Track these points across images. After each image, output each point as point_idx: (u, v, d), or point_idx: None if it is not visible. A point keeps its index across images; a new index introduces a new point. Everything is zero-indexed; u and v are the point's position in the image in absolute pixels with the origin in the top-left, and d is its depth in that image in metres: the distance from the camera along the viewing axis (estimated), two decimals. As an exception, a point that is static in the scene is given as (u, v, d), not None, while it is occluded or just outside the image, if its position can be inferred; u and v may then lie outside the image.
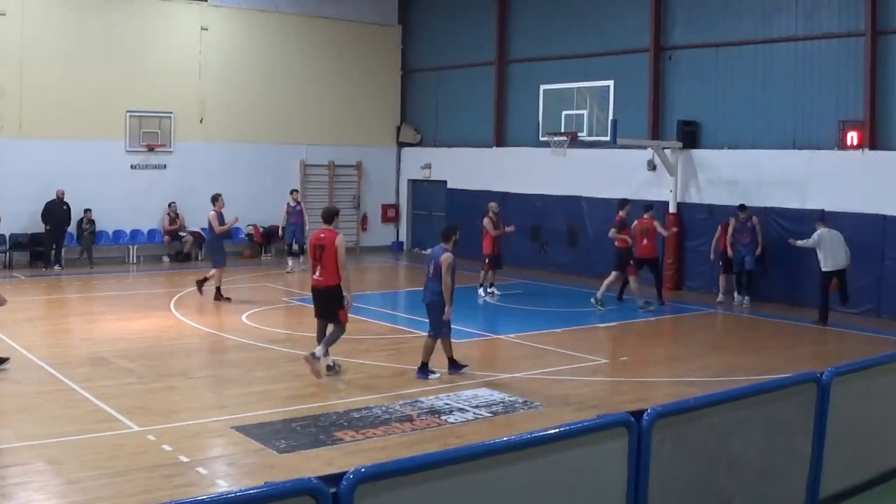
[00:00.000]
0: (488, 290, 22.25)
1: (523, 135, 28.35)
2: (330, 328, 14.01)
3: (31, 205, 25.80)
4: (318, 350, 13.71)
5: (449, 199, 31.62)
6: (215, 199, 21.39)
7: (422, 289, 14.37)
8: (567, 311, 20.97)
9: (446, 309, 13.72)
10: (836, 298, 19.67)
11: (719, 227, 22.25)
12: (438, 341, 14.04)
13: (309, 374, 13.77)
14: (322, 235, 13.83)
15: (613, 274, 21.01)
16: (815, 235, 19.38)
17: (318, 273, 13.81)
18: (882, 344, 17.26)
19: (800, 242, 19.67)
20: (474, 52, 31.06)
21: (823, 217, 20.42)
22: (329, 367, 14.04)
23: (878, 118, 21.12)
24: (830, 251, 19.17)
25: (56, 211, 25.84)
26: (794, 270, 22.03)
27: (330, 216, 14.10)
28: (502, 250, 22.88)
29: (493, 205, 22.80)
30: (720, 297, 22.19)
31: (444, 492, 5.33)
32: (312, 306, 14.40)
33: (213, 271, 21.07)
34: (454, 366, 14.29)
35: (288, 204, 26.47)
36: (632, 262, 20.98)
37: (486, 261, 22.10)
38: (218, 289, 20.96)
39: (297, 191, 26.59)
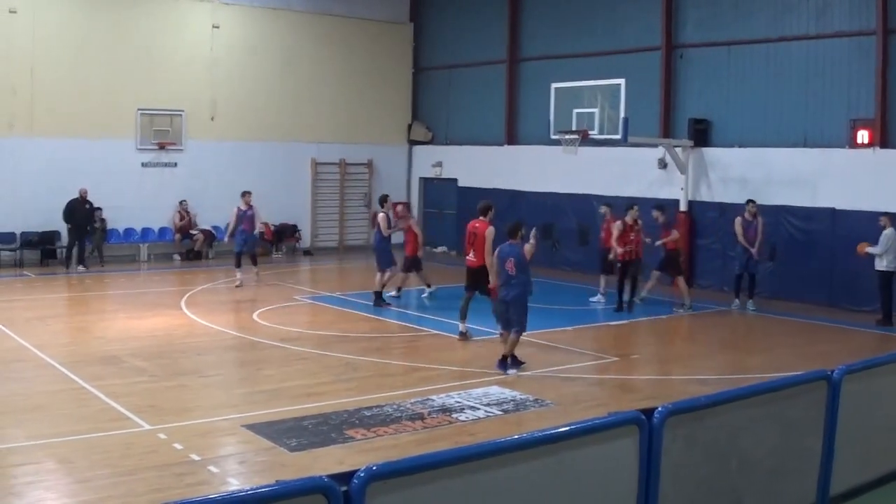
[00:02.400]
0: (390, 294, 21.22)
1: (534, 133, 28.34)
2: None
3: (42, 203, 25.86)
4: (462, 326, 16.83)
5: (460, 198, 31.60)
6: (383, 200, 21.31)
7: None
8: (578, 309, 20.95)
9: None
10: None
11: (613, 223, 21.06)
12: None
13: (318, 372, 14.16)
14: (477, 225, 16.53)
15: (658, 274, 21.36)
16: (883, 238, 18.96)
17: (471, 255, 16.60)
18: (893, 342, 17.24)
19: (871, 249, 19.06)
20: (486, 51, 31.06)
21: (890, 216, 19.37)
22: (461, 335, 16.85)
23: (889, 116, 21.06)
24: (893, 250, 18.94)
25: (78, 210, 25.65)
26: (804, 269, 22.02)
27: (484, 210, 16.69)
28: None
29: (400, 207, 22.44)
30: (598, 297, 21.69)
31: (455, 490, 5.33)
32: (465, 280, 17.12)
33: (378, 276, 20.69)
34: (516, 363, 14.57)
35: (238, 208, 22.99)
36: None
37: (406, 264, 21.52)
38: (379, 290, 20.60)
39: (249, 193, 23.13)
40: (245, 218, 22.95)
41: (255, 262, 23.50)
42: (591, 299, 21.70)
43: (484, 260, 15.97)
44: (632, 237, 20.41)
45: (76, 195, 25.62)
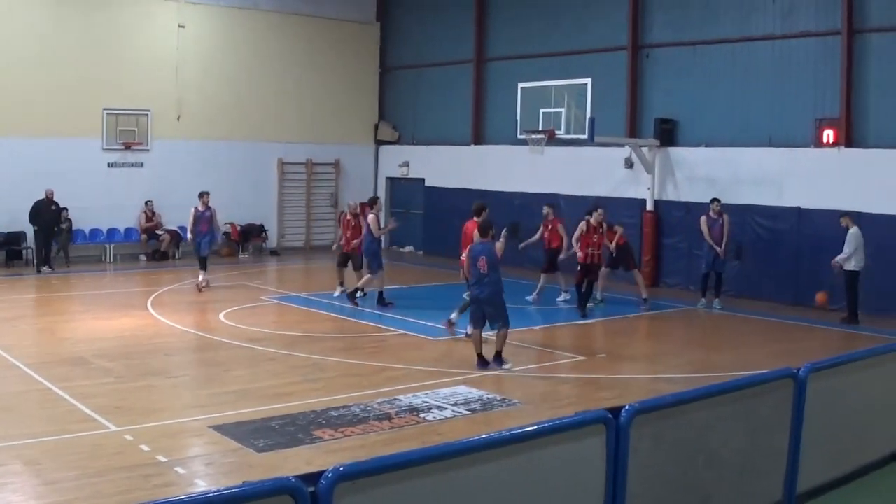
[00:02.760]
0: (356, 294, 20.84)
1: (501, 133, 28.38)
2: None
3: (7, 203, 25.57)
4: (454, 316, 17.04)
5: (427, 197, 31.62)
6: (373, 202, 21.15)
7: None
8: (545, 309, 21.00)
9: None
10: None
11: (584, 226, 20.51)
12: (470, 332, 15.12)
13: (285, 373, 14.14)
14: (469, 226, 17.17)
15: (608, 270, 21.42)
16: (850, 238, 18.97)
17: (464, 255, 16.40)
18: (858, 340, 17.37)
19: (841, 257, 19.02)
20: (453, 50, 31.07)
21: (852, 215, 19.51)
22: (448, 322, 17.14)
23: (854, 116, 21.25)
24: (861, 249, 19.01)
25: (44, 211, 25.26)
26: (770, 268, 22.17)
27: (478, 211, 16.80)
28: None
29: (351, 203, 22.70)
30: (564, 296, 21.73)
31: (423, 490, 5.32)
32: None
33: (366, 278, 20.48)
34: (483, 363, 14.62)
35: (196, 209, 22.53)
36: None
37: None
38: (380, 293, 20.58)
39: (207, 193, 22.69)
40: (203, 219, 22.54)
41: (204, 267, 22.60)
42: (558, 299, 21.72)
43: None
44: (594, 239, 20.00)
45: (42, 196, 25.28)
